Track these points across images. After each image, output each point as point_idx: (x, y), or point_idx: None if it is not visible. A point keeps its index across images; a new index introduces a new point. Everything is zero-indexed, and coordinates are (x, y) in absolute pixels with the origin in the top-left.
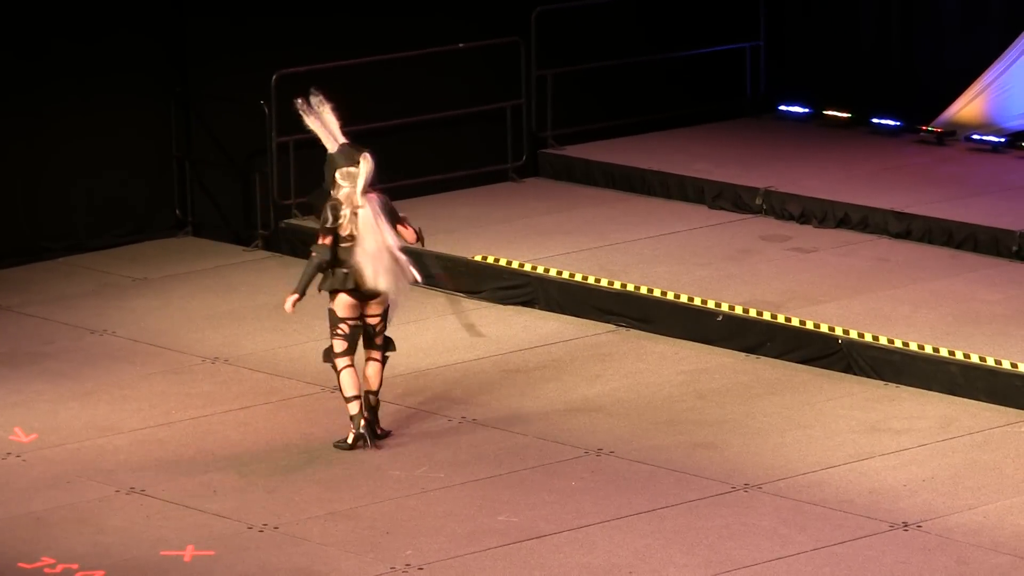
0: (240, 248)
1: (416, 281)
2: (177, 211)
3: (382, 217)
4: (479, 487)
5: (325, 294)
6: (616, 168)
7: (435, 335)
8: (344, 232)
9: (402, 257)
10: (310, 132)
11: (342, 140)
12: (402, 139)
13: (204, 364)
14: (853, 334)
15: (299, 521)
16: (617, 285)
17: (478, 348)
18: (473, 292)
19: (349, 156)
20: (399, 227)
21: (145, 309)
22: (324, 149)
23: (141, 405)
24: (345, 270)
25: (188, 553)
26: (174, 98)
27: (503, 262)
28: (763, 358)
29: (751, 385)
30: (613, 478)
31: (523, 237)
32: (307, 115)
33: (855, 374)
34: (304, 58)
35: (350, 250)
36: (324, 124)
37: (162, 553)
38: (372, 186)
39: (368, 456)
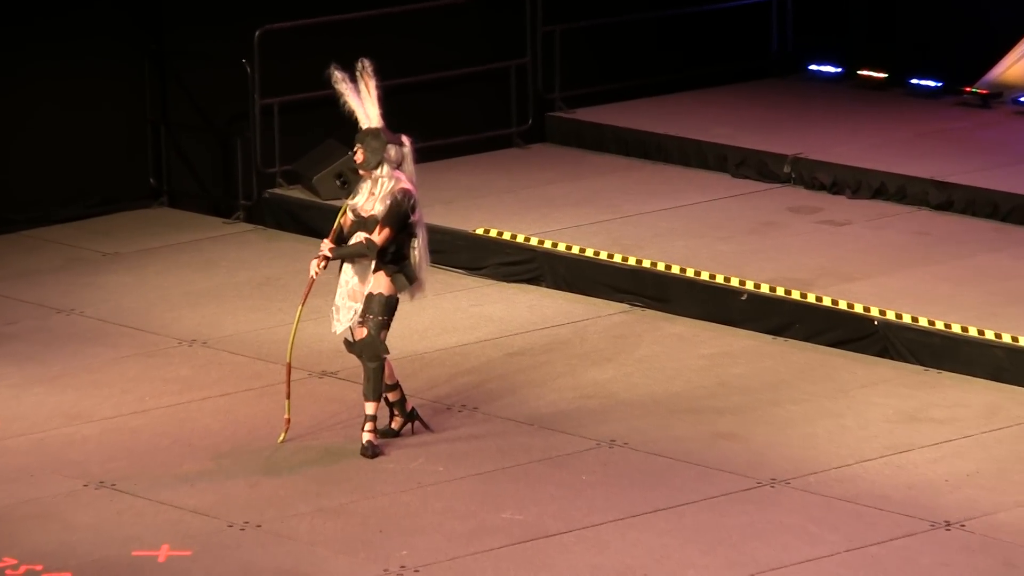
0: (220, 220)
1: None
2: (151, 180)
3: None
4: (480, 481)
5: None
6: (630, 133)
7: (432, 316)
8: (417, 220)
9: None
10: (300, 95)
11: (378, 122)
12: (397, 102)
13: (181, 346)
14: (890, 315)
15: (284, 518)
16: (631, 261)
17: (480, 330)
18: (474, 268)
19: (393, 135)
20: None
21: (116, 286)
22: (310, 113)
23: (112, 391)
24: (413, 265)
25: (163, 553)
26: (148, 57)
27: (507, 235)
28: (791, 341)
29: (778, 370)
30: (627, 472)
31: (528, 208)
32: (342, 84)
33: (892, 358)
34: (290, 13)
35: (410, 241)
36: (361, 100)
37: (134, 553)
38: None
39: (359, 448)
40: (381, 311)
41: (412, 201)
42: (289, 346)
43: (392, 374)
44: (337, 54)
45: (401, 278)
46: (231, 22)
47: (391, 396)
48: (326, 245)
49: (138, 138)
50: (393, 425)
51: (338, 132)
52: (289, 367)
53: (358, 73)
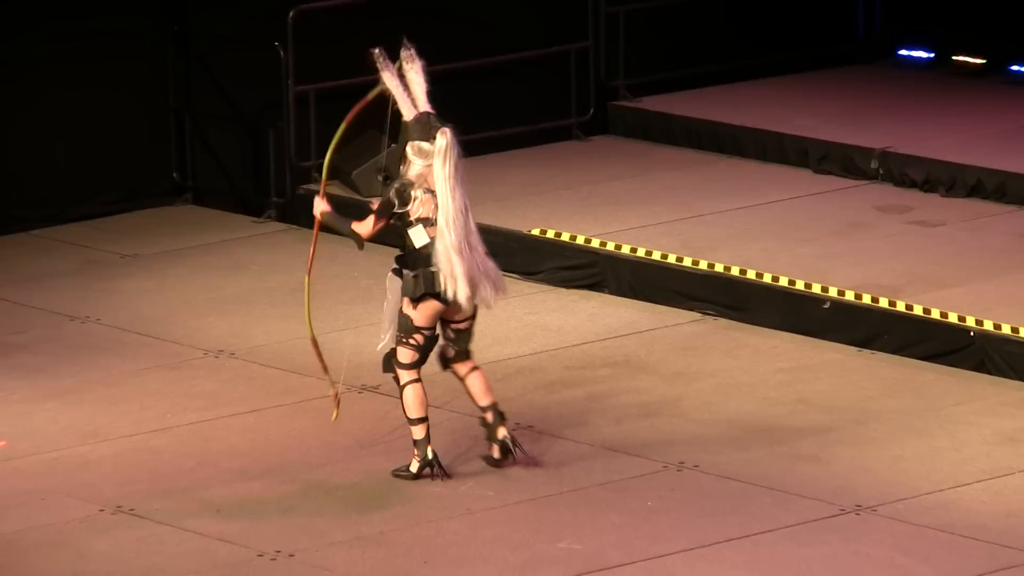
0: (250, 219)
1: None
2: (175, 175)
3: (470, 213)
4: (536, 507)
5: (348, 270)
6: (701, 124)
7: (483, 325)
8: (414, 216)
9: (491, 264)
10: (339, 82)
11: (424, 108)
12: (444, 89)
13: (206, 358)
14: (987, 325)
15: (320, 547)
16: (703, 265)
17: (535, 340)
18: (529, 273)
19: (425, 128)
20: None
21: (136, 292)
22: (349, 101)
23: (131, 407)
24: (432, 270)
25: None
26: (171, 39)
27: (565, 237)
28: (878, 354)
29: (863, 386)
30: (697, 497)
31: (589, 207)
32: (385, 70)
33: (989, 373)
34: None
35: (432, 247)
36: (405, 85)
37: None
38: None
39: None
40: (400, 328)
41: (400, 186)
42: (307, 319)
43: (422, 405)
44: (378, 36)
45: (409, 279)
46: (263, 1)
47: (413, 431)
48: (319, 206)
49: (160, 129)
50: (412, 468)
51: (380, 122)
52: (314, 340)
53: (403, 57)
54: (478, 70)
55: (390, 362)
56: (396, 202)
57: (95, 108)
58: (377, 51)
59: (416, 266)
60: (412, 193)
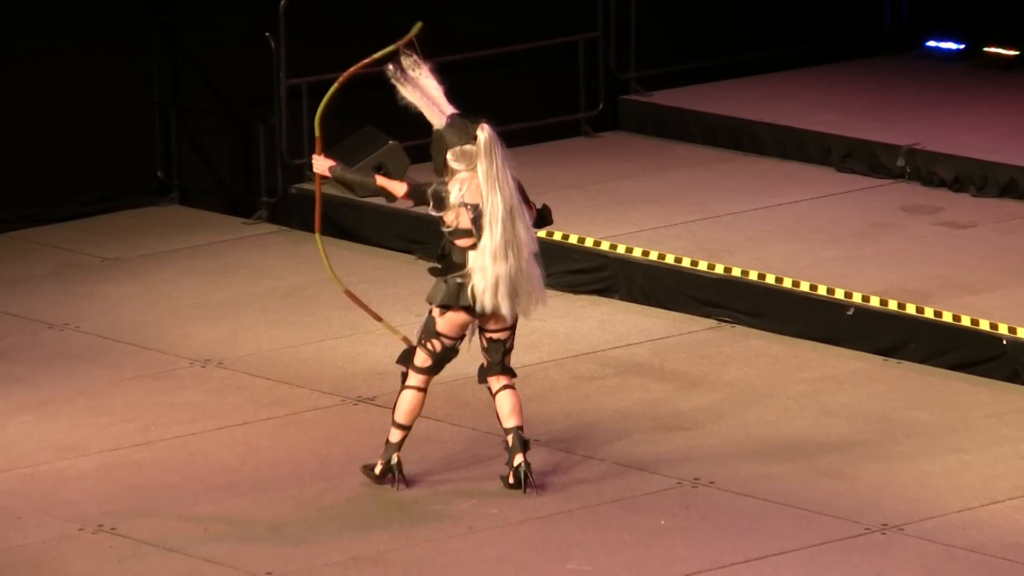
0: (239, 220)
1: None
2: (159, 173)
3: (524, 213)
4: (542, 526)
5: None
6: (717, 119)
7: None
8: (452, 227)
9: (536, 272)
10: (332, 75)
11: (449, 111)
12: (444, 83)
13: (193, 367)
14: (1020, 333)
15: (313, 569)
16: (719, 269)
17: (541, 348)
18: None
19: (462, 130)
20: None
21: (118, 297)
22: (344, 95)
23: (112, 419)
24: (459, 280)
25: None
26: (155, 30)
27: (574, 239)
28: (905, 363)
29: (890, 397)
30: (713, 515)
31: (599, 207)
32: (403, 85)
33: (1023, 384)
34: None
35: (467, 253)
36: (425, 93)
37: None
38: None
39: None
40: (423, 328)
41: (440, 186)
42: (330, 275)
43: (412, 414)
44: (374, 27)
45: (440, 285)
46: None
47: (391, 432)
48: (322, 164)
49: (144, 124)
50: (376, 470)
51: (377, 117)
52: (348, 292)
53: (408, 66)
54: (480, 62)
55: (408, 357)
56: (431, 202)
57: (75, 103)
58: (392, 67)
59: (450, 271)
60: (450, 201)
